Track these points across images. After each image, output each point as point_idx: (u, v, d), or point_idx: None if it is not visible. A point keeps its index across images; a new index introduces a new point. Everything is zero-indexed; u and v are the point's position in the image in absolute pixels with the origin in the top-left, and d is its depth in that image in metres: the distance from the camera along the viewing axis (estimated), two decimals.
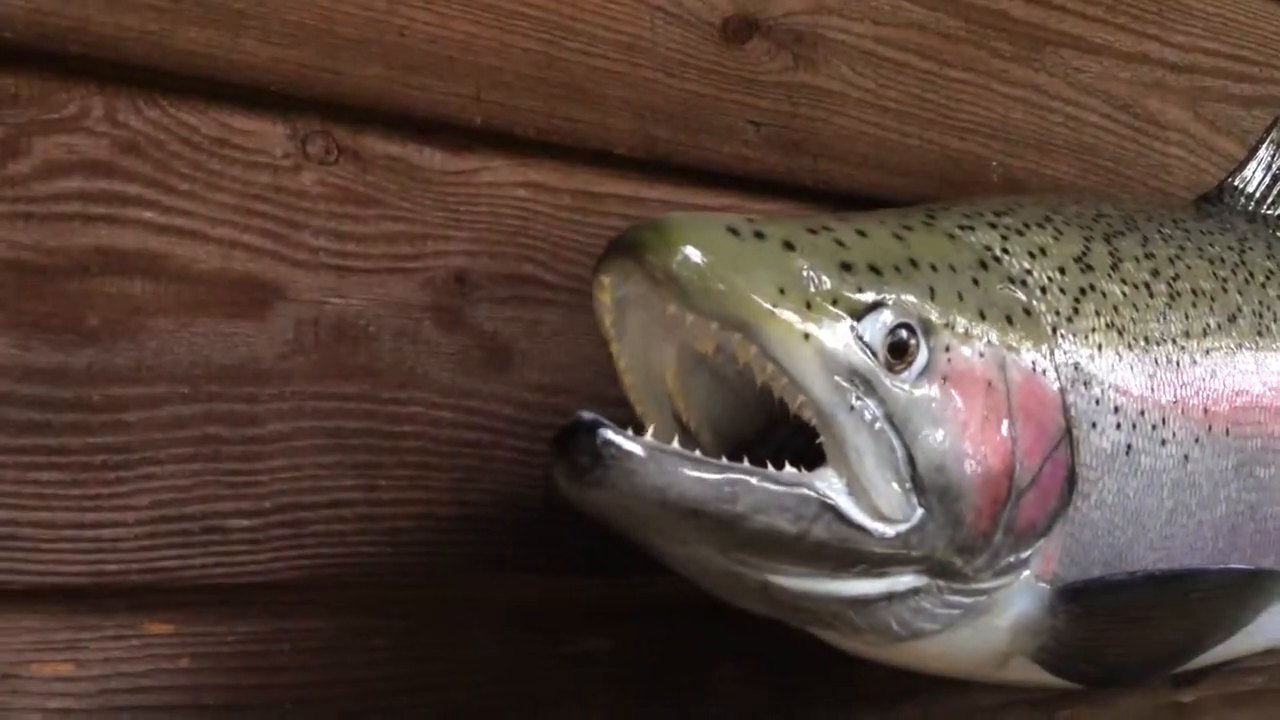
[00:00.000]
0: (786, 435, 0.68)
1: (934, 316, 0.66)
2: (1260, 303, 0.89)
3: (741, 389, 0.64)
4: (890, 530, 0.64)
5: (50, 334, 0.71)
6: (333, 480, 0.78)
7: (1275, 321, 0.89)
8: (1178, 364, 0.80)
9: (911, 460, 0.64)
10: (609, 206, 0.90)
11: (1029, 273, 0.74)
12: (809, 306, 0.61)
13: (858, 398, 0.62)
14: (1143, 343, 0.78)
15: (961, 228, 0.73)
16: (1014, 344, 0.70)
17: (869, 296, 0.63)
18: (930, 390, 0.65)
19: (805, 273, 0.61)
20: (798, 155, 0.97)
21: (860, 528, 0.63)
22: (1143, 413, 0.77)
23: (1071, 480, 0.73)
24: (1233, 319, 0.86)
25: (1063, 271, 0.76)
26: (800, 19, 0.98)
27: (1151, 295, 0.81)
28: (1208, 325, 0.83)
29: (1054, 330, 0.73)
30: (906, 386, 0.64)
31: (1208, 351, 0.82)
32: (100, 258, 0.72)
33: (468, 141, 0.84)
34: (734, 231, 0.60)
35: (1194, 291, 0.84)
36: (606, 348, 0.63)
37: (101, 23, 0.72)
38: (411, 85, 0.82)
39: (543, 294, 0.86)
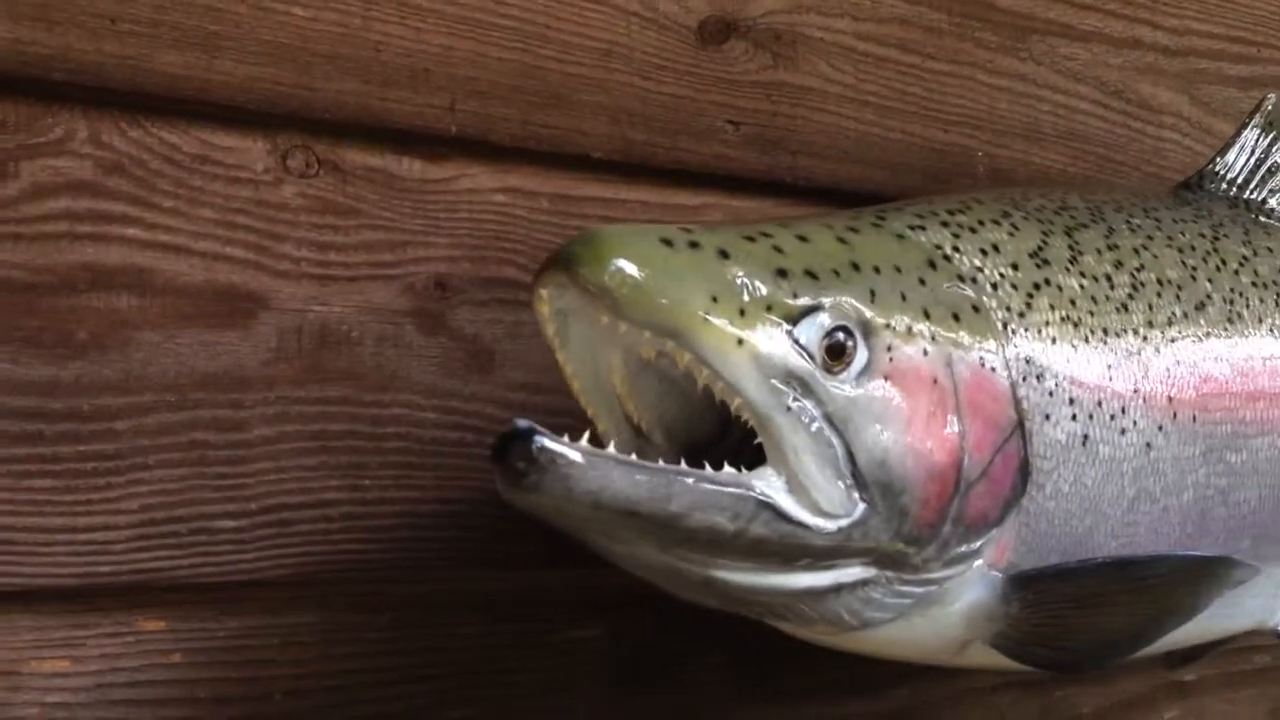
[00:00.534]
0: (741, 435, 0.70)
1: (874, 317, 0.68)
2: (1232, 290, 0.90)
3: (691, 391, 0.67)
4: (832, 525, 0.66)
5: (41, 348, 0.75)
6: (318, 481, 0.82)
7: (1248, 308, 0.90)
8: (1139, 354, 0.81)
9: (852, 457, 0.66)
10: (588, 209, 0.92)
11: (980, 270, 0.76)
12: (742, 313, 0.63)
13: (795, 399, 0.65)
14: (1101, 334, 0.80)
15: (912, 227, 0.75)
16: (961, 341, 0.72)
17: (804, 301, 0.65)
18: (871, 389, 0.67)
19: (739, 280, 0.64)
20: (777, 153, 0.99)
21: (800, 524, 0.65)
22: (1100, 403, 0.79)
23: (1025, 471, 0.75)
24: (1201, 307, 0.87)
25: (1016, 267, 0.78)
26: (779, 18, 1.00)
27: (1113, 287, 0.82)
28: (1173, 315, 0.85)
29: (1005, 326, 0.75)
30: (846, 386, 0.66)
31: (1173, 341, 0.84)
32: (87, 274, 0.76)
33: (445, 150, 0.87)
34: (667, 242, 0.63)
35: (1159, 281, 0.85)
36: (553, 355, 0.66)
37: (82, 50, 0.76)
38: (388, 98, 0.85)
39: (523, 296, 0.89)
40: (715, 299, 0.62)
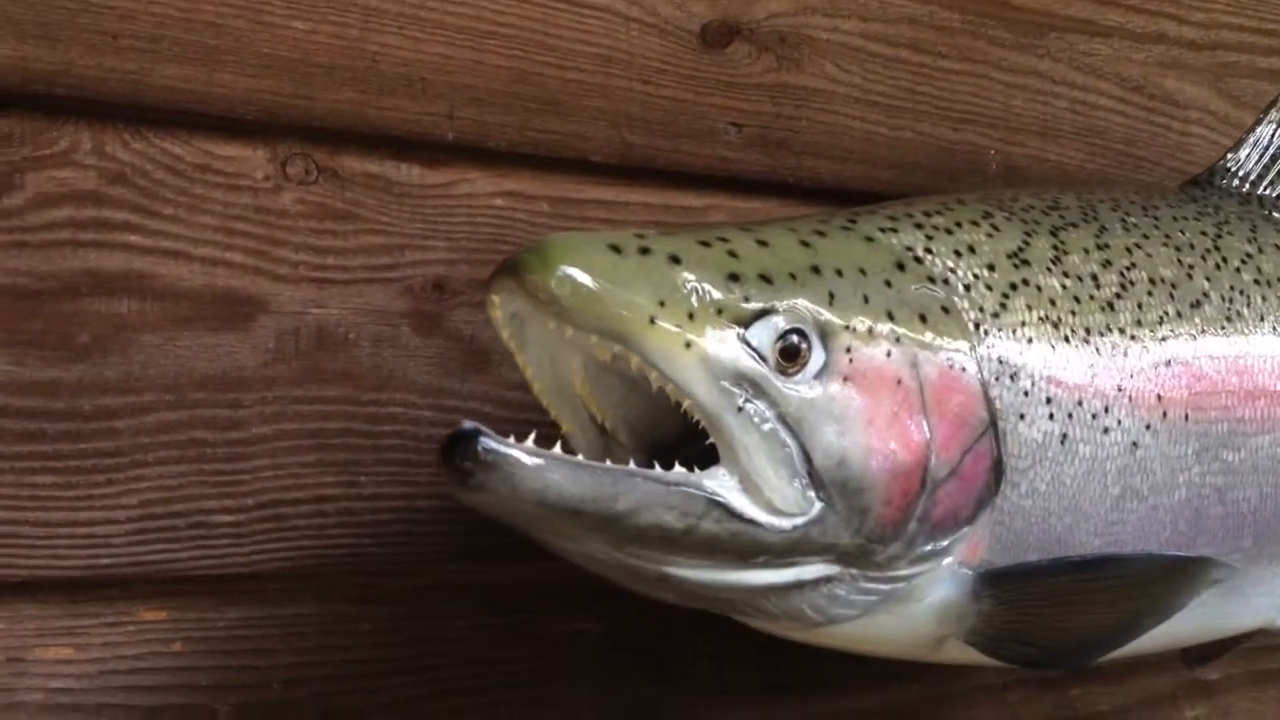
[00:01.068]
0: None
1: (832, 320, 0.69)
2: (1231, 287, 0.89)
3: (651, 391, 0.68)
4: (787, 523, 0.67)
5: (44, 351, 0.78)
6: (314, 478, 0.84)
7: (1249, 306, 0.90)
8: (1125, 353, 0.81)
9: (807, 456, 0.67)
10: (589, 211, 0.94)
11: (953, 271, 0.76)
12: (691, 316, 0.65)
13: (747, 400, 0.66)
14: (1083, 334, 0.80)
15: (884, 230, 0.76)
16: (928, 342, 0.73)
17: (757, 304, 0.67)
18: (829, 390, 0.68)
19: (689, 284, 0.65)
20: (781, 154, 1.00)
21: (752, 521, 0.66)
22: (1081, 402, 0.79)
23: (998, 470, 0.75)
24: (1196, 305, 0.86)
25: (992, 268, 0.78)
26: (783, 20, 1.01)
27: (1099, 286, 0.82)
28: (1165, 313, 0.84)
29: (977, 326, 0.75)
30: (801, 388, 0.68)
31: (1163, 340, 0.84)
32: (90, 280, 0.79)
33: (444, 156, 0.89)
34: (616, 249, 0.64)
35: (1151, 280, 0.85)
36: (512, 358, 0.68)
37: (84, 65, 0.79)
38: (385, 107, 0.87)
39: None
40: (663, 303, 0.64)
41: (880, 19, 1.05)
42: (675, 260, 0.65)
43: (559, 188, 0.93)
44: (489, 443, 0.60)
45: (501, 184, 0.91)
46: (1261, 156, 1.03)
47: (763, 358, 0.67)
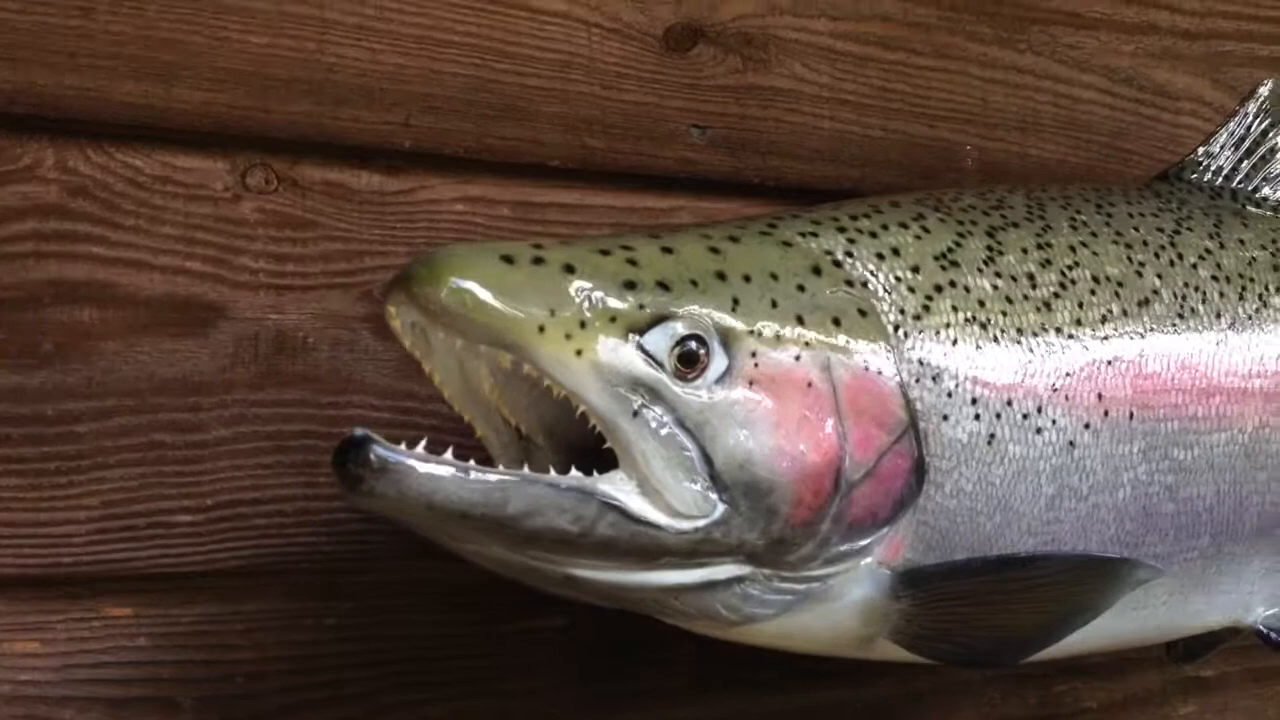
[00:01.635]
0: None
1: (735, 326, 0.70)
2: (1186, 284, 0.89)
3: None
4: (687, 525, 0.69)
5: (8, 358, 0.82)
6: (273, 478, 0.88)
7: (1204, 303, 0.89)
8: (1061, 353, 0.82)
9: (708, 459, 0.69)
10: (551, 215, 0.96)
11: (873, 274, 0.77)
12: (583, 325, 0.66)
13: (643, 405, 0.67)
14: (1015, 334, 0.80)
15: (803, 234, 0.77)
16: (841, 345, 0.74)
17: (652, 311, 0.68)
18: (732, 394, 0.70)
19: (581, 293, 0.67)
20: (746, 154, 1.01)
21: (650, 524, 0.68)
22: (1010, 402, 0.79)
23: (920, 471, 0.76)
24: (1145, 303, 0.86)
25: (916, 270, 0.79)
26: (750, 22, 1.02)
27: (1034, 286, 0.83)
28: (1108, 312, 0.84)
29: (896, 329, 0.76)
30: (701, 392, 0.69)
31: (1105, 339, 0.84)
32: (52, 289, 0.83)
33: (403, 164, 0.92)
34: (509, 259, 0.66)
35: (1095, 279, 0.85)
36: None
37: (44, 84, 0.83)
38: (342, 117, 0.90)
39: None
40: (553, 312, 0.66)
41: (851, 18, 1.06)
42: (569, 270, 0.67)
43: (521, 192, 0.96)
44: (378, 449, 0.63)
45: (463, 189, 0.94)
46: (1236, 149, 1.02)
47: (659, 364, 0.68)
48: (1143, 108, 1.17)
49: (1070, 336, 0.82)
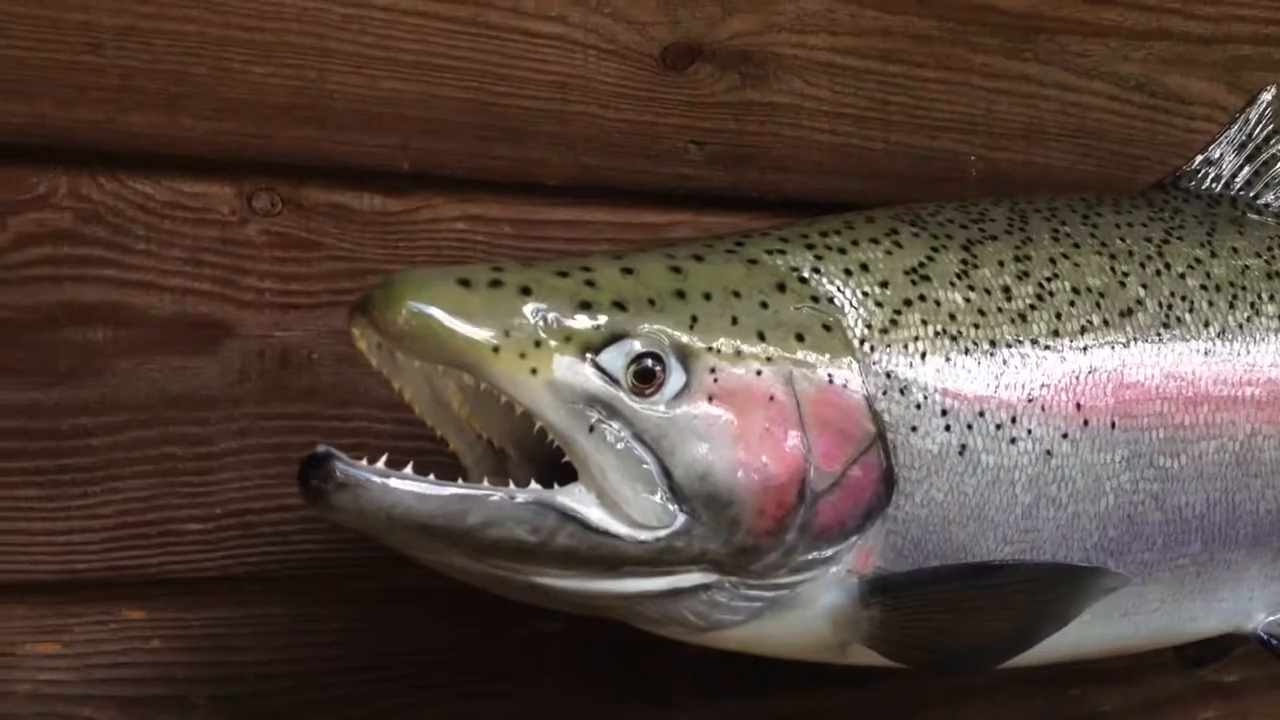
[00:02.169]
0: None
1: (693, 343, 0.73)
2: (1172, 294, 0.90)
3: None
4: (648, 535, 0.71)
5: (25, 377, 0.87)
6: (280, 488, 0.91)
7: (1191, 312, 0.90)
8: (1036, 364, 0.83)
9: (667, 472, 0.71)
10: (551, 232, 0.99)
11: (840, 290, 0.79)
12: (537, 344, 0.69)
13: (599, 420, 0.70)
14: (988, 346, 0.82)
15: (770, 251, 0.79)
16: (804, 359, 0.76)
17: (608, 330, 0.71)
18: (691, 409, 0.72)
19: (536, 314, 0.69)
20: (744, 169, 1.04)
21: (610, 534, 0.70)
22: (982, 413, 0.81)
23: (889, 481, 0.78)
24: (1128, 313, 0.87)
25: (885, 285, 0.80)
26: (748, 39, 1.04)
27: (1010, 299, 0.84)
28: (1088, 323, 0.85)
29: (862, 342, 0.78)
30: (659, 408, 0.71)
31: (1084, 349, 0.85)
32: (67, 311, 0.88)
33: (403, 185, 0.95)
34: (465, 283, 0.69)
35: (1075, 290, 0.86)
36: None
37: (56, 117, 0.87)
38: (341, 141, 0.93)
39: None
40: (507, 333, 0.69)
41: (851, 32, 1.07)
42: (525, 291, 0.70)
43: (521, 210, 0.98)
44: (338, 464, 0.66)
45: (464, 208, 0.97)
46: (1237, 156, 1.02)
47: (615, 380, 0.71)
48: (1155, 114, 1.17)
49: (1047, 348, 0.84)
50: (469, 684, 0.96)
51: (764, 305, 0.76)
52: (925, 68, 1.09)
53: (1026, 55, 1.13)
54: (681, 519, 0.72)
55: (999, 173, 1.11)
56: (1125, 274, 0.89)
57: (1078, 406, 0.84)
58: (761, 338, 0.75)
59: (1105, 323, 0.86)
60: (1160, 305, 0.89)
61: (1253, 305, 0.92)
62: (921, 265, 0.83)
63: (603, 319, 0.71)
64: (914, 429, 0.79)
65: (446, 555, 0.71)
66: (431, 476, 0.68)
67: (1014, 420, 0.82)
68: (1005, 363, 0.82)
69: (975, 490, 0.80)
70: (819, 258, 0.80)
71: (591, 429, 0.70)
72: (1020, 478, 0.82)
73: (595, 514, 0.70)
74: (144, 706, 0.89)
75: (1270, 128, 1.02)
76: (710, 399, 0.73)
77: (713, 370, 0.73)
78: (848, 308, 0.79)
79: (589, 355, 0.70)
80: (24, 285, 0.87)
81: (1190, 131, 1.18)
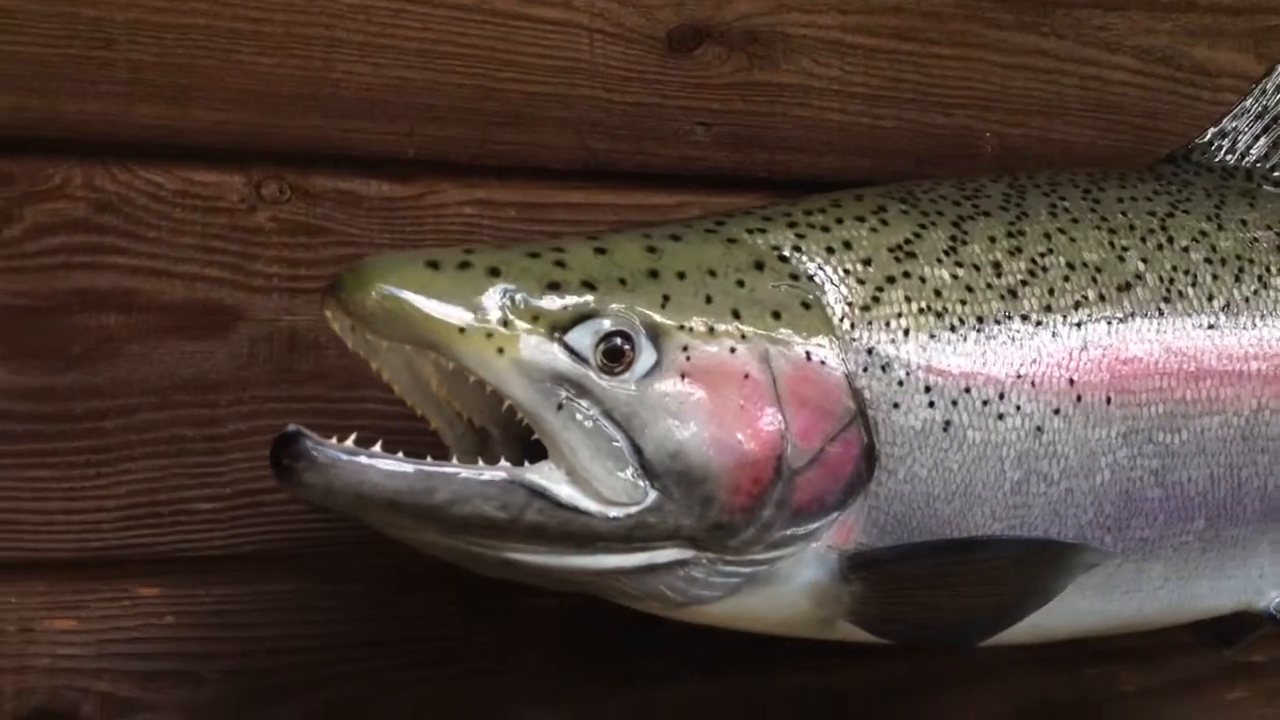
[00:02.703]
0: None
1: (664, 321, 0.73)
2: (1174, 268, 0.89)
3: None
4: (619, 511, 0.72)
5: (41, 361, 0.90)
6: None
7: (1194, 286, 0.89)
8: (1029, 339, 0.83)
9: (638, 449, 0.72)
10: (556, 215, 1.00)
11: (821, 267, 0.79)
12: (504, 324, 0.70)
13: (568, 398, 0.71)
14: (975, 322, 0.82)
15: (751, 230, 0.80)
16: (780, 337, 0.76)
17: (575, 310, 0.72)
18: (662, 387, 0.73)
19: (504, 295, 0.71)
20: (752, 149, 1.04)
21: (580, 510, 0.71)
22: (968, 389, 0.81)
23: (870, 457, 0.78)
24: (1126, 288, 0.86)
25: (868, 262, 0.81)
26: (756, 20, 1.04)
27: (999, 275, 0.84)
28: (1083, 298, 0.85)
29: (842, 320, 0.78)
30: (630, 386, 0.72)
31: (1078, 324, 0.84)
32: (80, 298, 0.91)
33: (411, 171, 0.97)
34: (434, 265, 0.70)
35: (1070, 265, 0.86)
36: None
37: (70, 110, 0.90)
38: (348, 129, 0.96)
39: None
40: (474, 313, 0.70)
41: (862, 10, 1.07)
42: (494, 273, 0.71)
43: (527, 194, 1.00)
44: (307, 443, 0.68)
45: (471, 193, 0.99)
46: (1253, 128, 1.01)
47: (584, 359, 0.72)
48: (1180, 86, 1.15)
49: (1038, 323, 0.83)
50: (474, 660, 0.97)
51: (740, 284, 0.77)
52: (939, 45, 1.09)
53: (1044, 30, 1.12)
54: (653, 495, 0.73)
55: (1014, 149, 1.10)
56: (1125, 248, 0.88)
57: (1071, 382, 0.84)
58: (736, 316, 0.76)
59: (1101, 298, 0.86)
60: (1161, 280, 0.88)
61: (1260, 279, 0.91)
62: (907, 242, 0.83)
63: (571, 299, 0.72)
64: (896, 405, 0.79)
65: (419, 532, 0.72)
66: (400, 454, 0.70)
67: (1002, 396, 0.81)
68: (993, 339, 0.82)
69: (961, 466, 0.80)
70: (801, 236, 0.81)
71: (560, 407, 0.71)
72: (1009, 454, 0.82)
73: (565, 491, 0.71)
74: (157, 680, 0.92)
75: None
76: (683, 377, 0.74)
77: (685, 348, 0.74)
78: (828, 285, 0.79)
79: (557, 334, 0.71)
80: (40, 273, 0.90)
81: (1216, 104, 1.16)
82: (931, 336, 0.80)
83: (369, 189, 0.97)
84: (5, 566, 0.88)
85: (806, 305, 0.78)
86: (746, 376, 0.75)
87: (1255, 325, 0.90)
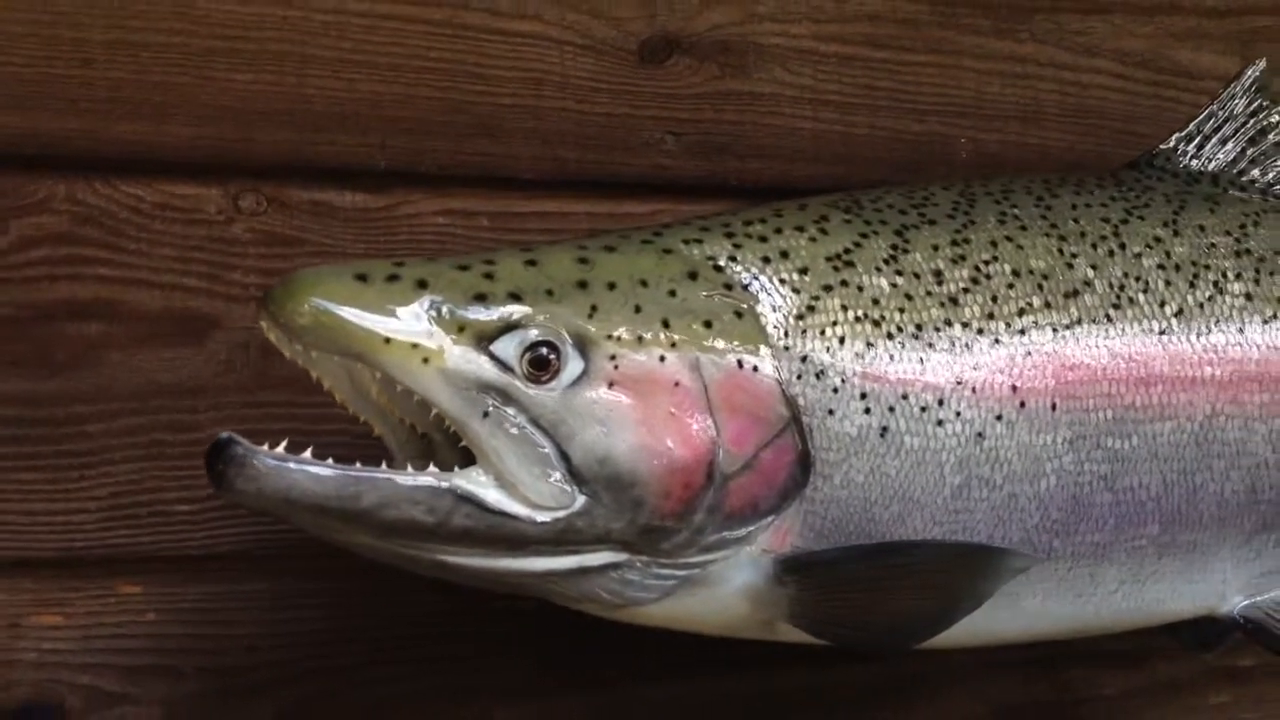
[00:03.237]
0: None
1: (592, 331, 0.76)
2: (1125, 274, 0.89)
3: None
4: (546, 516, 0.74)
5: (25, 369, 0.94)
6: None
7: (1145, 292, 0.90)
8: (968, 347, 0.84)
9: (566, 456, 0.74)
10: (528, 224, 1.03)
11: (756, 277, 0.81)
12: (430, 335, 0.73)
13: (494, 406, 0.74)
14: (913, 330, 0.83)
15: (688, 241, 0.82)
16: (712, 346, 0.78)
17: (501, 321, 0.74)
18: (590, 395, 0.75)
19: (430, 306, 0.73)
20: (723, 158, 1.06)
21: (507, 514, 0.74)
22: (905, 396, 0.82)
23: (805, 463, 0.80)
24: (1074, 294, 0.87)
25: (804, 272, 0.82)
26: (728, 30, 1.06)
27: (940, 282, 0.85)
28: (1027, 305, 0.86)
29: (777, 328, 0.80)
30: (555, 394, 0.74)
31: (1022, 331, 0.85)
32: (64, 308, 0.95)
33: (384, 182, 1.00)
34: (362, 277, 0.73)
35: (1015, 272, 0.87)
36: None
37: (52, 127, 0.94)
38: (320, 142, 0.99)
39: None
40: (400, 324, 0.73)
41: (836, 19, 1.09)
42: (422, 285, 0.74)
43: (500, 204, 1.02)
44: (239, 450, 0.71)
45: (444, 203, 1.01)
46: (1220, 132, 1.01)
47: (509, 368, 0.74)
48: (1162, 90, 1.15)
49: (980, 331, 0.84)
50: (443, 659, 1.00)
51: (672, 293, 0.79)
52: (913, 52, 1.10)
53: (1022, 35, 1.13)
54: (582, 500, 0.75)
55: (990, 155, 1.11)
56: (1074, 255, 0.89)
57: (1014, 388, 0.85)
58: (666, 325, 0.78)
59: (1047, 304, 0.87)
60: (1111, 286, 0.89)
61: (1215, 284, 0.91)
62: (847, 251, 0.84)
63: (497, 310, 0.75)
64: (831, 412, 0.81)
65: (351, 535, 0.75)
66: (329, 460, 0.72)
67: (941, 403, 0.83)
68: (932, 346, 0.83)
69: (899, 472, 0.82)
70: (738, 246, 0.82)
71: (486, 414, 0.74)
72: (949, 459, 0.83)
73: (493, 495, 0.74)
74: (139, 675, 0.95)
75: (1258, 101, 1.01)
76: (610, 385, 0.76)
77: (613, 357, 0.76)
78: (763, 294, 0.81)
79: (483, 344, 0.74)
80: (25, 284, 0.94)
81: (1199, 107, 1.15)
82: (868, 344, 0.82)
83: (343, 200, 1.00)
84: None
85: (739, 314, 0.80)
86: (677, 384, 0.77)
87: (1209, 330, 0.90)
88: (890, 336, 0.83)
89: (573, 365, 0.75)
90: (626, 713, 1.05)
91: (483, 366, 0.74)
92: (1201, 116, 1.01)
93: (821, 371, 0.81)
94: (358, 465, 0.73)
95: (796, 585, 0.80)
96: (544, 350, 0.75)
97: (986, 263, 0.87)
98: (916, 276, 0.85)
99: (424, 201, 1.01)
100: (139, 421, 0.96)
